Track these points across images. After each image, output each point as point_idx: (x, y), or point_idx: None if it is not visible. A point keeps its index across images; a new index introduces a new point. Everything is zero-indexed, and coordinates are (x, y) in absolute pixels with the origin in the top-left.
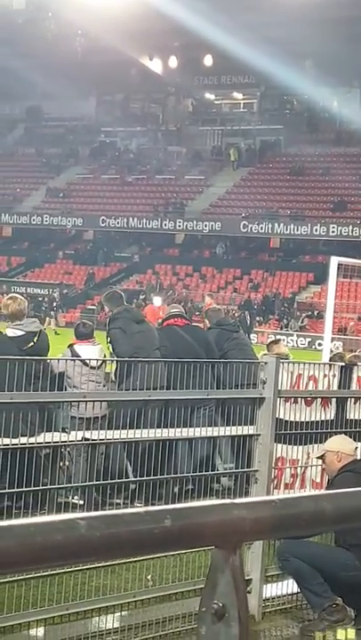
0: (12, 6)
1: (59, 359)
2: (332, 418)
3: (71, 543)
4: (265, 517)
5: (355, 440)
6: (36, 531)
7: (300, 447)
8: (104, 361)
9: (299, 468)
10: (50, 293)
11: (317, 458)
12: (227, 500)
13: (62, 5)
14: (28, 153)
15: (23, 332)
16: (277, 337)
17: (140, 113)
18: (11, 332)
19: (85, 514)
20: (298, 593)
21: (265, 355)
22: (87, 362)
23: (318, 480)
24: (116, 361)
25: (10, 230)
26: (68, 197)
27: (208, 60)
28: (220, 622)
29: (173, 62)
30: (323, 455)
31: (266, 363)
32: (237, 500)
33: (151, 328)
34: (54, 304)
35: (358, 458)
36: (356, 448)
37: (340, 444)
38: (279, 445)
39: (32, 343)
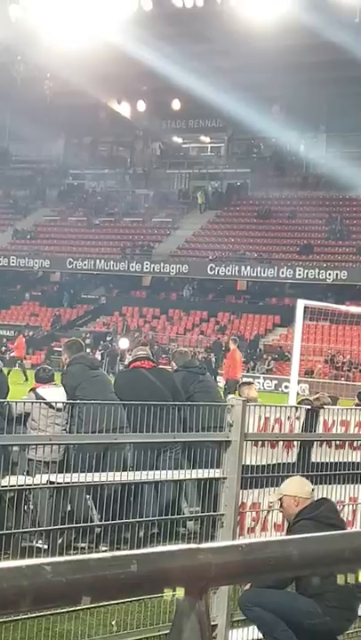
0: None
1: (24, 401)
2: (294, 460)
3: (37, 589)
4: (231, 562)
5: (319, 483)
6: (2, 576)
7: (263, 490)
8: (69, 403)
9: (262, 512)
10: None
11: (274, 502)
12: (192, 545)
13: (31, 48)
14: None
15: None
16: (249, 380)
17: (107, 156)
18: None
19: (51, 559)
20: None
21: (233, 397)
22: (53, 404)
23: (280, 522)
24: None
25: None
26: (35, 239)
27: (176, 104)
28: None
29: (141, 106)
30: (280, 499)
31: (232, 405)
32: (203, 545)
33: (105, 374)
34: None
35: (316, 500)
36: (313, 490)
37: (296, 488)
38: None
39: None
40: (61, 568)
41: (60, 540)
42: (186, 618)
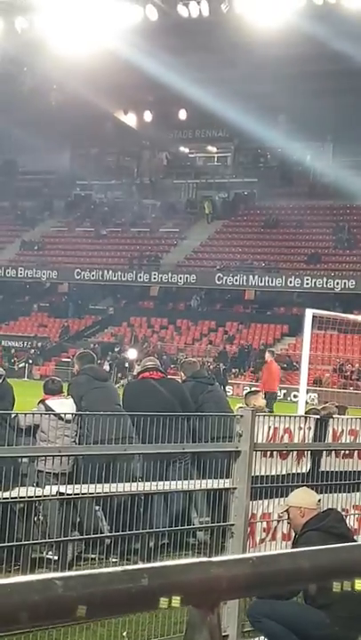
0: None
1: (33, 413)
2: (305, 471)
3: (48, 604)
4: (242, 576)
5: (327, 492)
6: (13, 591)
7: (273, 500)
8: (79, 415)
9: (273, 522)
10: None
11: (282, 513)
12: (204, 559)
13: (38, 60)
14: (2, 206)
15: None
16: (255, 389)
17: (114, 166)
18: None
19: (62, 574)
20: None
21: (241, 407)
22: (62, 416)
23: (287, 532)
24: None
25: None
26: (42, 250)
27: (182, 115)
28: None
29: (148, 116)
30: (287, 510)
31: (242, 416)
32: (214, 559)
33: (112, 386)
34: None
35: (323, 510)
36: (319, 500)
37: (302, 499)
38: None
39: None
40: (72, 583)
41: (69, 552)
42: (198, 631)
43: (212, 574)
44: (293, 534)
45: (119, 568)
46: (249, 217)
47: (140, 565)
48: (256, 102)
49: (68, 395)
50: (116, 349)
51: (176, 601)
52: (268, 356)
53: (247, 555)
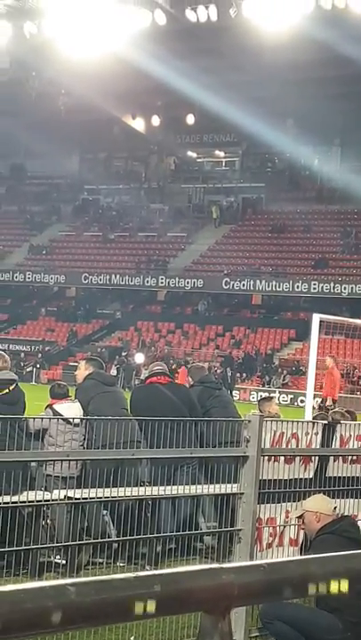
0: None
1: (42, 417)
2: (311, 476)
3: (61, 610)
4: (253, 582)
5: (335, 498)
6: (27, 597)
7: (279, 505)
8: (86, 419)
9: (278, 527)
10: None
11: (297, 518)
12: (215, 565)
13: (46, 64)
14: (10, 210)
15: None
16: (270, 395)
17: (122, 171)
18: None
19: (75, 580)
20: None
21: (254, 413)
22: (70, 420)
23: (295, 537)
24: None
25: None
26: (50, 254)
27: (190, 119)
28: None
29: (156, 121)
30: (302, 515)
31: (249, 421)
32: (226, 565)
33: (119, 391)
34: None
35: (338, 517)
36: (335, 507)
37: (318, 505)
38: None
39: (7, 390)
40: (85, 589)
41: (82, 556)
42: (209, 638)
43: (224, 581)
44: (302, 540)
45: (131, 574)
46: (256, 222)
47: (152, 572)
48: (264, 107)
49: (74, 399)
50: (124, 354)
51: (187, 607)
52: (329, 361)
53: (259, 561)
